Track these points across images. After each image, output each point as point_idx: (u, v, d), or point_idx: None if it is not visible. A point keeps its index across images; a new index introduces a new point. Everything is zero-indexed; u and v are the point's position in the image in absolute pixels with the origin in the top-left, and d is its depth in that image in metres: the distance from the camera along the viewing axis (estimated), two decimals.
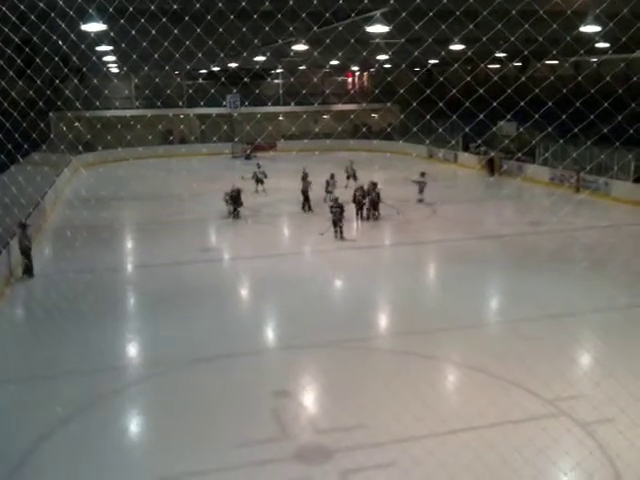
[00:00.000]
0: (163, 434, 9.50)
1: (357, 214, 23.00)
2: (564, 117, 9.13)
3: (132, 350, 12.96)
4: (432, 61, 33.47)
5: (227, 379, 11.10)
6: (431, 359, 11.80)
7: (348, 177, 29.38)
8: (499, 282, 16.81)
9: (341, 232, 20.66)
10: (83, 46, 10.99)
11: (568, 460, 8.67)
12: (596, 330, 13.34)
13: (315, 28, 12.75)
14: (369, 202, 23.18)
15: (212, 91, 31.44)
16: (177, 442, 9.10)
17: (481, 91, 9.75)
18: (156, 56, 12.01)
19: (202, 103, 24.96)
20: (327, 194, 25.42)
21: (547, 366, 11.09)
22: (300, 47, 21.46)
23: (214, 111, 40.14)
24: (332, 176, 26.21)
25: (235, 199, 23.83)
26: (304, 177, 25.80)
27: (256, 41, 14.47)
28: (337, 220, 20.59)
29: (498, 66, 32.45)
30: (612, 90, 11.13)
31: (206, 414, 9.88)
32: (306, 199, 25.06)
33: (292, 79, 43.09)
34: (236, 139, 42.73)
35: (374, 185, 23.84)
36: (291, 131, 40.52)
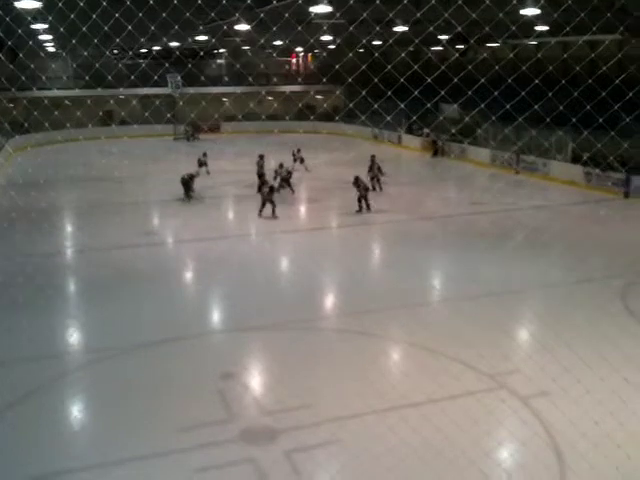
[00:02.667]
0: (107, 420, 9.37)
1: (360, 201, 21.69)
2: (496, 94, 9.30)
3: (73, 337, 12.68)
4: (375, 42, 33.59)
5: (171, 363, 11.01)
6: (374, 337, 11.96)
7: (295, 160, 29.36)
8: (441, 261, 17.11)
9: (272, 211, 20.84)
10: (17, 24, 10.60)
11: (505, 431, 8.98)
12: (533, 306, 13.78)
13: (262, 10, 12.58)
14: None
15: (156, 74, 30.71)
16: (122, 427, 9.01)
17: (432, 79, 9.84)
18: (92, 36, 11.66)
19: (143, 84, 24.43)
20: (277, 176, 25.15)
21: (485, 342, 11.41)
22: (242, 27, 21.22)
23: (155, 92, 39.34)
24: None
25: (186, 183, 23.58)
26: (259, 160, 25.58)
27: (197, 21, 14.22)
28: (266, 200, 20.82)
29: (441, 49, 32.83)
30: (551, 73, 11.42)
31: (150, 398, 9.80)
32: (262, 182, 24.76)
33: (235, 60, 42.55)
34: (187, 123, 41.83)
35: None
36: (235, 113, 40.11)
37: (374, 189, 23.73)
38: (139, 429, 8.95)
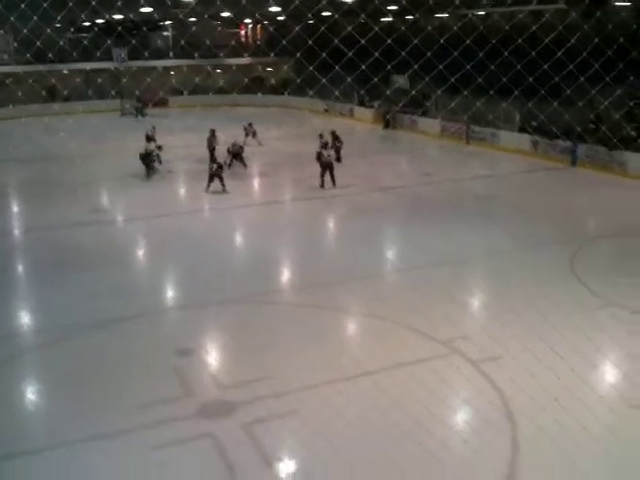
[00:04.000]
0: (62, 400, 9.27)
1: (323, 175, 21.23)
2: (441, 67, 9.38)
3: (24, 318, 12.41)
4: (324, 14, 33.30)
5: (126, 341, 10.92)
6: (329, 310, 12.07)
7: (247, 135, 29.09)
8: (393, 233, 17.30)
9: (222, 186, 20.79)
10: None
11: (458, 397, 9.23)
12: (483, 274, 14.08)
13: None
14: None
15: (100, 49, 29.92)
16: (78, 407, 8.93)
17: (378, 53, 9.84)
18: (32, 12, 11.28)
19: (87, 60, 23.73)
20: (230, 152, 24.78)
21: (438, 310, 11.64)
22: None
23: (100, 67, 38.33)
24: (212, 132, 25.30)
25: (145, 159, 23.20)
26: (211, 135, 25.20)
27: None
28: (214, 175, 20.76)
29: (390, 19, 32.75)
30: (496, 44, 11.53)
31: (106, 377, 9.72)
32: (212, 157, 24.44)
33: (181, 33, 41.63)
34: (135, 98, 40.81)
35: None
36: (182, 87, 39.36)
37: (338, 160, 23.45)
38: (95, 408, 8.88)
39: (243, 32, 52.64)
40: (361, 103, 39.19)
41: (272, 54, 23.97)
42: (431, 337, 10.63)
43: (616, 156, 22.67)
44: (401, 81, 32.53)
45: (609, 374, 9.94)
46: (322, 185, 21.13)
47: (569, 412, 8.38)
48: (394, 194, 20.92)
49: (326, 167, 21.15)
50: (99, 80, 38.53)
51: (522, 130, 27.64)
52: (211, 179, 20.89)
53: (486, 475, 7.33)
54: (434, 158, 27.28)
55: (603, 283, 12.79)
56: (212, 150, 24.35)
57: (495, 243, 15.47)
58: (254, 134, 29.24)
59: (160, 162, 23.51)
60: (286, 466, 7.81)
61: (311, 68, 10.45)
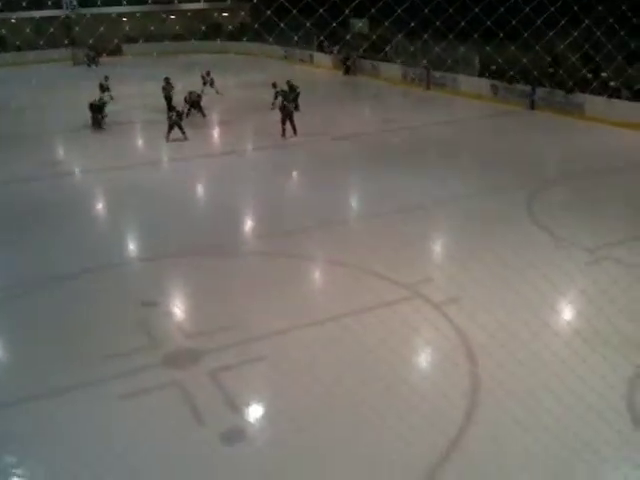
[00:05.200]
0: (26, 354, 9.23)
1: (284, 123, 20.91)
2: (399, 11, 9.25)
3: None
4: None
5: (89, 294, 10.83)
6: (293, 258, 12.12)
7: (205, 83, 28.50)
8: (355, 180, 17.30)
9: (182, 133, 20.60)
10: None
11: (421, 338, 9.45)
12: (443, 219, 14.23)
13: None
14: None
15: None
16: (43, 361, 8.88)
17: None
18: None
19: (36, 8, 22.72)
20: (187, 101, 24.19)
21: (399, 255, 11.78)
22: None
23: (49, 14, 36.84)
24: (167, 80, 24.77)
25: (98, 109, 22.56)
26: (166, 83, 24.57)
27: None
28: (174, 124, 20.51)
29: None
30: None
31: (69, 331, 9.68)
32: (169, 106, 23.88)
33: None
34: (87, 47, 39.38)
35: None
36: (136, 35, 38.18)
37: (296, 109, 23.11)
38: (60, 361, 8.85)
39: None
40: (320, 49, 38.63)
41: (229, 0, 23.38)
42: (395, 281, 10.78)
43: (573, 99, 22.89)
44: (360, 25, 32.08)
45: (565, 311, 10.27)
46: (283, 134, 20.93)
47: (527, 348, 8.66)
48: (356, 141, 20.86)
49: (287, 115, 20.92)
50: (51, 29, 37.05)
51: (482, 75, 27.64)
52: (171, 128, 20.56)
53: (448, 412, 7.56)
54: (395, 104, 27.15)
55: (560, 224, 13.08)
56: (168, 99, 23.83)
57: (456, 188, 15.62)
58: (212, 82, 28.66)
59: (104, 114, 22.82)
60: (253, 411, 7.94)
61: (269, 13, 10.18)
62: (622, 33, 12.87)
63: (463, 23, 10.42)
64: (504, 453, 6.93)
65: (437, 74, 29.11)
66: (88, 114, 22.59)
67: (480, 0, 11.42)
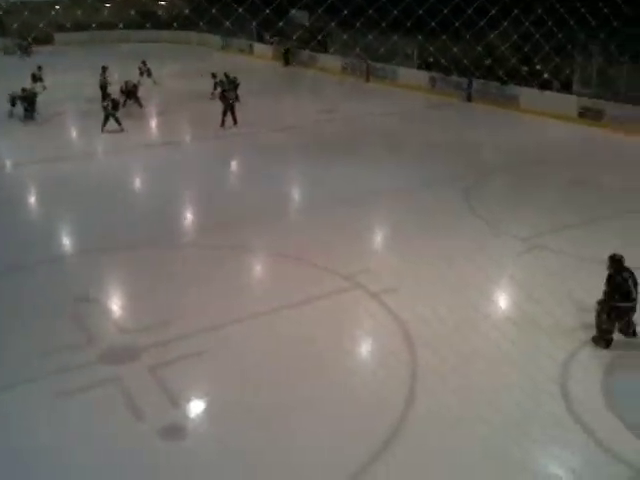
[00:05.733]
0: None
1: (224, 114, 20.77)
2: None
3: None
4: None
5: (22, 289, 10.52)
6: (234, 250, 12.02)
7: (141, 74, 27.93)
8: (296, 172, 17.26)
9: (118, 124, 20.12)
10: None
11: (361, 328, 9.56)
12: (383, 209, 14.37)
13: None
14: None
15: None
16: None
17: None
18: None
19: None
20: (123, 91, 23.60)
21: (340, 246, 11.90)
22: None
23: None
24: (104, 69, 24.06)
25: (29, 100, 21.80)
26: (102, 72, 23.91)
27: None
28: (109, 114, 20.06)
29: None
30: None
31: (4, 327, 9.38)
32: (105, 95, 23.24)
33: None
34: (19, 35, 37.88)
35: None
36: (67, 22, 37.00)
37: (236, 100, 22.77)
38: None
39: None
40: (260, 39, 38.36)
41: None
42: (334, 272, 10.83)
43: (508, 90, 23.43)
44: (299, 16, 31.99)
45: (500, 299, 10.53)
46: (223, 124, 20.72)
47: (463, 336, 8.87)
48: (295, 132, 20.83)
49: (228, 106, 20.72)
50: None
51: (420, 67, 27.98)
52: (106, 118, 20.06)
53: (388, 399, 7.67)
54: (335, 95, 27.22)
55: (496, 214, 13.40)
56: (104, 88, 23.19)
57: (394, 179, 15.79)
58: (149, 73, 28.11)
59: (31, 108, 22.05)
60: (193, 406, 7.86)
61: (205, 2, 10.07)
62: (550, 23, 13.25)
63: (396, 12, 10.52)
64: (442, 437, 7.07)
65: (377, 65, 29.31)
66: (8, 106, 21.72)
67: None
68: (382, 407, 7.57)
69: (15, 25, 34.57)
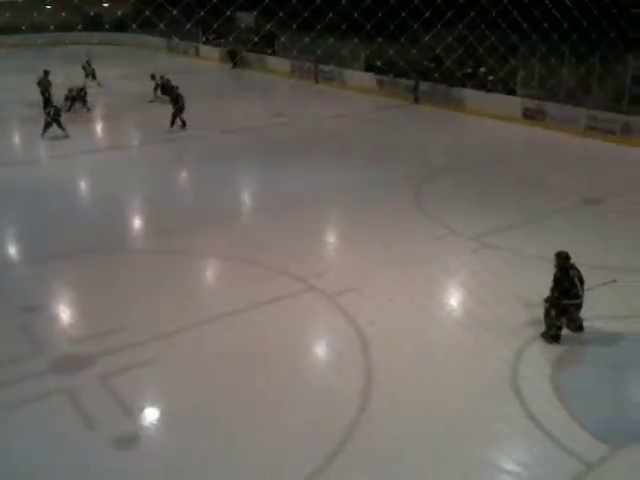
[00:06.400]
0: None
1: (174, 116, 20.62)
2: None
3: None
4: None
5: None
6: (184, 254, 11.89)
7: (87, 75, 27.37)
8: (246, 174, 17.20)
9: (62, 130, 19.44)
10: None
11: (315, 329, 9.58)
12: (334, 211, 14.46)
13: None
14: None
15: None
16: None
17: None
18: None
19: None
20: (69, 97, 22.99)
21: (293, 248, 11.89)
22: None
23: None
24: (46, 73, 23.18)
25: None
26: (44, 76, 23.21)
27: None
28: (52, 121, 19.29)
29: None
30: None
31: None
32: (47, 101, 22.57)
33: None
34: None
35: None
36: (15, 24, 36.01)
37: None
38: None
39: None
40: (206, 41, 38.04)
41: None
42: (286, 274, 10.82)
43: (454, 93, 23.83)
44: (246, 19, 31.89)
45: (449, 300, 10.69)
46: (172, 125, 20.50)
47: (415, 338, 8.96)
48: (245, 135, 20.74)
49: (179, 109, 20.41)
50: None
51: (368, 69, 28.21)
52: (48, 125, 19.37)
53: (342, 404, 7.69)
54: (284, 97, 27.22)
55: (444, 213, 13.61)
56: (46, 94, 22.52)
57: (345, 180, 15.88)
58: (93, 74, 27.56)
59: None
60: (146, 414, 7.72)
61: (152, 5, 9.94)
62: (503, 26, 13.50)
63: (356, 15, 10.57)
64: (395, 439, 7.11)
65: (325, 68, 29.42)
66: None
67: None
68: (336, 408, 7.59)
69: None
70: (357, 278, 10.70)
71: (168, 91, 22.87)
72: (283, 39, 31.80)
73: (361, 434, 7.18)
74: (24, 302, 10.09)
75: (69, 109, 22.30)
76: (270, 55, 33.54)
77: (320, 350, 9.32)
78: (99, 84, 27.37)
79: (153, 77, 24.45)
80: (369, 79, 27.53)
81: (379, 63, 25.91)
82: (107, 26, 39.12)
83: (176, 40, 37.81)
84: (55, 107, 19.96)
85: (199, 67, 35.54)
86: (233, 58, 34.46)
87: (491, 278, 10.63)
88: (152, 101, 24.52)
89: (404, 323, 9.32)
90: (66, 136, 19.54)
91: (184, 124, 20.63)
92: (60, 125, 19.52)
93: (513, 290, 10.09)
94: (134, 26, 33.07)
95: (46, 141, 19.41)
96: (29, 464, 6.82)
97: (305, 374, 8.44)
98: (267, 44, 33.25)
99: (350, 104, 25.61)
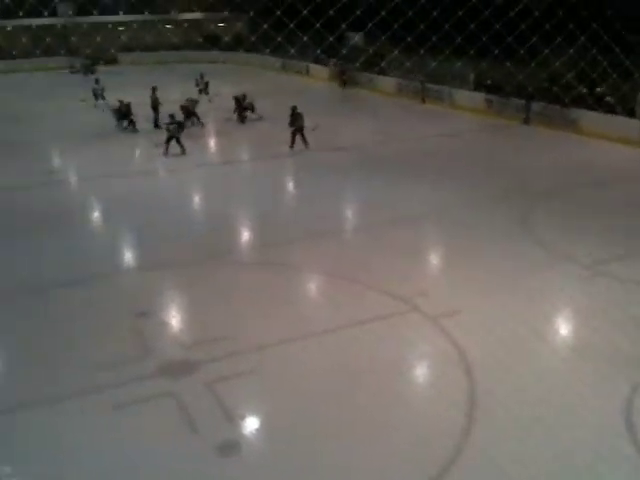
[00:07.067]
0: (20, 361, 9.17)
1: (294, 135, 20.63)
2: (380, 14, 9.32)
3: None
4: None
5: (84, 303, 10.74)
6: (288, 268, 12.07)
7: (200, 91, 28.52)
8: (352, 191, 17.27)
9: (181, 147, 20.05)
10: None
11: (416, 352, 9.42)
12: (438, 231, 14.22)
13: None
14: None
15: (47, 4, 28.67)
16: (36, 368, 8.84)
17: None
18: None
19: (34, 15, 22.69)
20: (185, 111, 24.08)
21: (394, 266, 11.79)
22: None
23: (45, 22, 36.86)
24: (154, 89, 24.40)
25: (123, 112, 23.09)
26: (152, 92, 24.52)
27: None
28: (172, 137, 19.83)
29: None
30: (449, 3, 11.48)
31: (64, 339, 9.60)
32: (156, 116, 23.83)
33: None
34: (84, 55, 39.43)
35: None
36: (133, 44, 38.25)
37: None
38: (55, 370, 8.78)
39: None
40: (317, 61, 38.75)
41: (226, 11, 23.49)
42: (389, 294, 10.74)
43: (568, 114, 23.01)
44: (356, 39, 32.24)
45: (561, 327, 10.25)
46: (292, 145, 20.64)
47: (524, 364, 8.65)
48: (351, 153, 20.87)
49: (299, 128, 20.45)
50: (47, 39, 37.03)
51: (477, 89, 27.77)
52: (169, 140, 19.89)
53: (445, 428, 7.52)
54: (391, 116, 27.23)
55: (555, 239, 13.09)
56: (156, 108, 23.66)
57: (450, 200, 15.64)
58: (206, 87, 28.55)
59: None
60: (249, 423, 7.87)
61: (265, 26, 10.26)
62: (617, 50, 13.00)
63: (459, 39, 10.50)
64: (500, 473, 6.87)
65: (433, 87, 29.24)
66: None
67: (475, 17, 11.55)
68: (440, 429, 7.44)
69: (88, 50, 36.00)
70: (461, 300, 10.48)
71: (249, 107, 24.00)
72: (391, 58, 31.87)
73: (466, 456, 6.99)
74: (136, 307, 10.57)
75: (186, 124, 23.23)
76: (378, 74, 33.70)
77: (423, 370, 9.16)
78: (209, 100, 28.42)
79: (244, 98, 25.25)
80: (478, 98, 27.09)
81: (489, 82, 25.48)
82: (223, 45, 40.82)
83: (288, 59, 38.81)
84: (178, 122, 20.47)
85: (308, 85, 36.23)
86: (342, 77, 34.93)
87: (606, 306, 10.13)
88: (239, 121, 25.17)
89: (512, 348, 9.02)
90: (183, 153, 20.11)
91: (306, 143, 20.63)
92: (179, 142, 20.02)
93: (630, 319, 9.56)
94: (249, 44, 34.27)
95: (161, 152, 20.25)
96: (132, 463, 7.09)
97: (407, 393, 8.33)
98: (375, 63, 33.45)
99: (457, 123, 25.28)
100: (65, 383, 8.51)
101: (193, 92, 27.26)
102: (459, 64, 26.33)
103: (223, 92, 29.59)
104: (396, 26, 10.55)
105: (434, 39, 11.60)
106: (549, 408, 7.82)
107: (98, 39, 33.93)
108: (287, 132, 20.80)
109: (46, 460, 7.23)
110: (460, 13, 10.74)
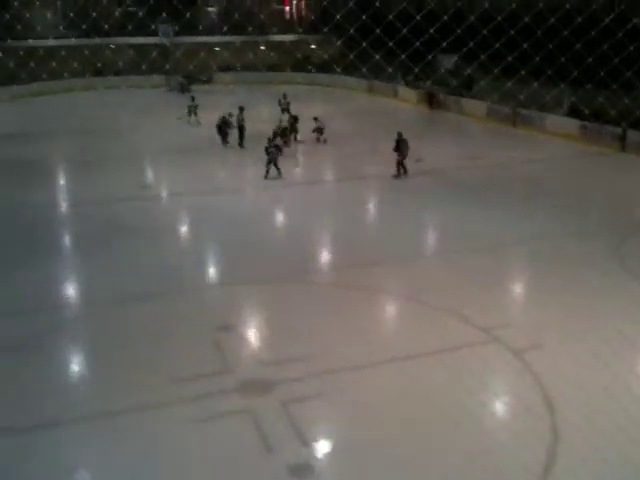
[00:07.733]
0: (104, 371, 9.49)
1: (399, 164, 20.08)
2: (495, 46, 9.18)
3: (69, 289, 12.69)
4: None
5: (167, 316, 11.08)
6: (369, 291, 12.03)
7: (283, 110, 28.95)
8: (436, 215, 17.06)
9: (277, 170, 19.94)
10: None
11: (498, 383, 9.17)
12: (527, 260, 13.84)
13: None
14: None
15: (150, 23, 30.05)
16: (119, 379, 9.14)
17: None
18: None
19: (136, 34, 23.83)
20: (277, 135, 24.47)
21: (480, 295, 11.52)
22: None
23: (146, 41, 38.58)
24: (241, 109, 24.84)
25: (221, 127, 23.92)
26: (239, 112, 25.11)
27: None
28: (271, 160, 19.76)
29: None
30: (552, 25, 11.21)
31: (147, 350, 9.91)
32: (241, 133, 24.35)
33: (229, 8, 41.48)
34: (182, 74, 41.05)
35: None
36: (229, 63, 39.48)
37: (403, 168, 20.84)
38: (136, 380, 9.06)
39: (287, 8, 52.10)
40: (405, 83, 38.66)
41: (319, 30, 23.74)
42: (472, 322, 10.52)
43: None
44: (447, 62, 31.98)
45: None
46: (397, 174, 20.11)
47: (610, 403, 8.24)
48: (439, 176, 20.61)
49: (403, 157, 20.01)
50: (148, 55, 38.70)
51: (571, 114, 26.95)
52: (269, 163, 19.71)
53: (526, 462, 7.26)
54: (480, 140, 26.80)
55: None
56: (240, 128, 24.13)
57: (540, 229, 15.18)
58: (288, 109, 28.76)
59: None
60: (322, 446, 7.85)
61: (364, 44, 10.34)
62: None
63: (563, 59, 10.23)
64: None
65: (524, 112, 28.59)
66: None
67: (578, 38, 11.20)
68: (522, 464, 7.19)
69: (185, 69, 37.39)
70: (544, 334, 10.11)
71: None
72: (482, 82, 31.42)
73: None
74: (219, 321, 10.79)
75: (282, 147, 23.34)
76: (467, 98, 33.27)
77: (502, 406, 8.86)
78: (289, 119, 28.69)
79: (316, 120, 25.44)
80: (571, 125, 26.24)
81: (585, 110, 24.67)
82: (312, 68, 41.51)
83: (376, 82, 38.93)
84: (277, 145, 20.42)
85: (396, 107, 36.13)
86: (431, 100, 34.70)
87: None
88: (318, 141, 25.23)
89: (602, 385, 8.62)
90: (279, 175, 19.87)
91: (405, 171, 20.27)
92: (276, 165, 19.81)
93: None
94: (342, 65, 34.68)
95: (249, 171, 20.61)
96: (207, 477, 7.20)
97: (487, 425, 8.13)
98: (465, 87, 33.07)
99: (549, 149, 24.59)
100: (145, 394, 8.76)
101: (276, 111, 27.71)
102: (555, 89, 25.64)
103: (306, 113, 29.98)
104: (496, 47, 10.38)
105: (536, 60, 11.34)
106: (631, 456, 7.42)
107: (194, 61, 35.18)
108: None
109: (121, 466, 7.44)
110: (565, 33, 10.46)
